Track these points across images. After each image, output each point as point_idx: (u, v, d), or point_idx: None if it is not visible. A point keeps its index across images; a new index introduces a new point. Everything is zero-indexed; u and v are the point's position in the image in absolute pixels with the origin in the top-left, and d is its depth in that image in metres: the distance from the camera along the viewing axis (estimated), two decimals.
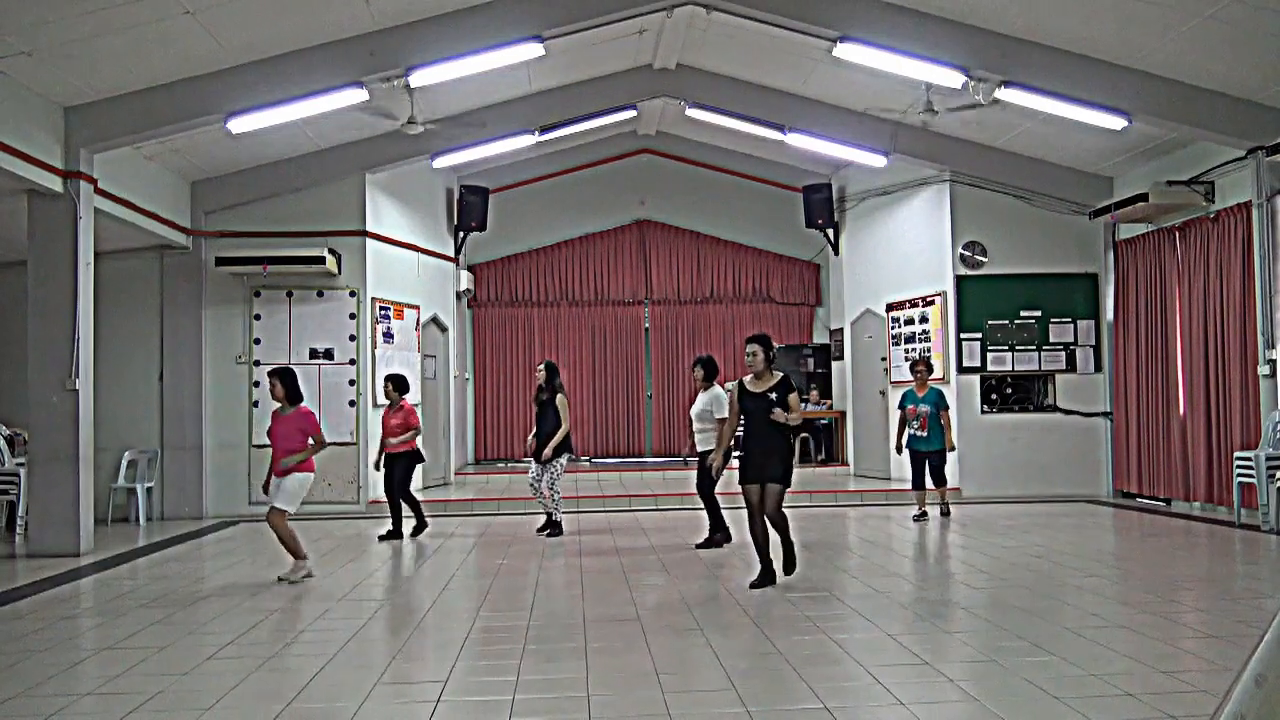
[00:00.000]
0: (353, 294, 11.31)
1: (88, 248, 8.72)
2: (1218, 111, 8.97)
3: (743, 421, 6.79)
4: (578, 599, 6.30)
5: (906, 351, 12.45)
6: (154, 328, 11.13)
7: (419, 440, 9.34)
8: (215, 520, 10.76)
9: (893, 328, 12.72)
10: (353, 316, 11.29)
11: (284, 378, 7.26)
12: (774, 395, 6.52)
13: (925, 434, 9.65)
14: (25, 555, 8.55)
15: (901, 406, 9.92)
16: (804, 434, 14.72)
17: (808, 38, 9.21)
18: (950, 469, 10.10)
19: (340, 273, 11.19)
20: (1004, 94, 9.14)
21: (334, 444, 11.09)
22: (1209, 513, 9.95)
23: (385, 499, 9.40)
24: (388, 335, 11.65)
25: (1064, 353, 11.82)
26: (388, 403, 9.38)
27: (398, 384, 9.36)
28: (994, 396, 11.74)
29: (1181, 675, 4.36)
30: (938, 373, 11.81)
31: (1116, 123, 9.25)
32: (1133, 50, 8.63)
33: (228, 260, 10.76)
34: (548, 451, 8.95)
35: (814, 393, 14.63)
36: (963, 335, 11.72)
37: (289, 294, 11.25)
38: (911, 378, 9.96)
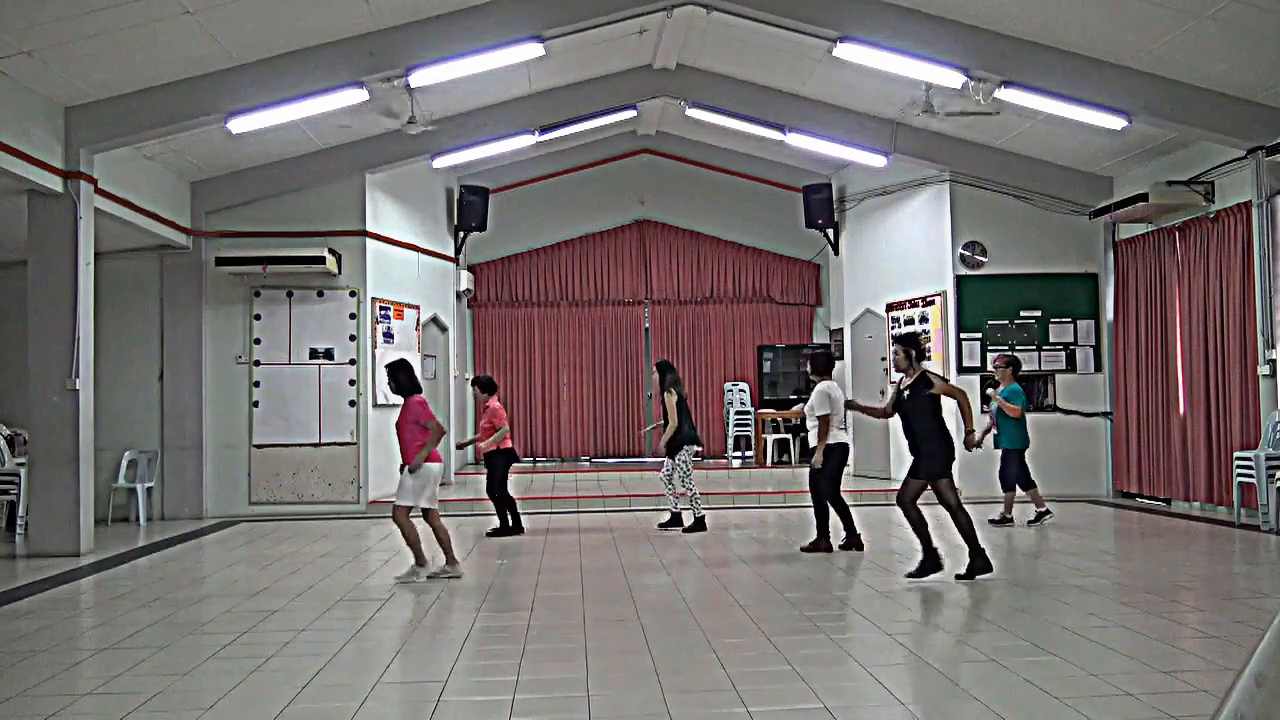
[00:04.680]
0: (353, 294, 11.31)
1: (88, 248, 8.72)
2: (1218, 111, 8.96)
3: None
4: (578, 599, 6.30)
5: None
6: (154, 328, 11.12)
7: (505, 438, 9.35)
8: (215, 520, 10.76)
9: (893, 328, 12.72)
10: (353, 316, 11.29)
11: (393, 371, 7.22)
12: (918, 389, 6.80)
13: (995, 431, 9.53)
14: (25, 555, 8.55)
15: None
16: (803, 433, 14.72)
17: (808, 38, 9.20)
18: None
19: (340, 273, 11.19)
20: (1004, 94, 9.14)
21: (334, 444, 11.14)
22: (1209, 513, 9.95)
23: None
24: (388, 335, 11.65)
25: (1064, 353, 11.82)
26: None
27: (484, 385, 9.51)
28: None
29: (1181, 675, 4.36)
30: (937, 371, 11.81)
31: (1116, 123, 9.25)
32: (1133, 50, 8.63)
33: (228, 260, 10.76)
34: (660, 445, 9.35)
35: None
36: (963, 335, 11.72)
37: (289, 294, 11.25)
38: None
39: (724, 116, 11.78)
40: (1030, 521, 9.50)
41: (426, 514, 7.07)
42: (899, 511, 6.88)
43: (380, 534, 9.54)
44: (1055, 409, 11.74)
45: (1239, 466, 9.10)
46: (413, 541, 6.99)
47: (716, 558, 7.85)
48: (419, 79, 8.83)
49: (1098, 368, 11.80)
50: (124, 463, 10.64)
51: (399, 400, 7.22)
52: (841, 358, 14.29)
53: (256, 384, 11.15)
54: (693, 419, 9.50)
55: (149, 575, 7.55)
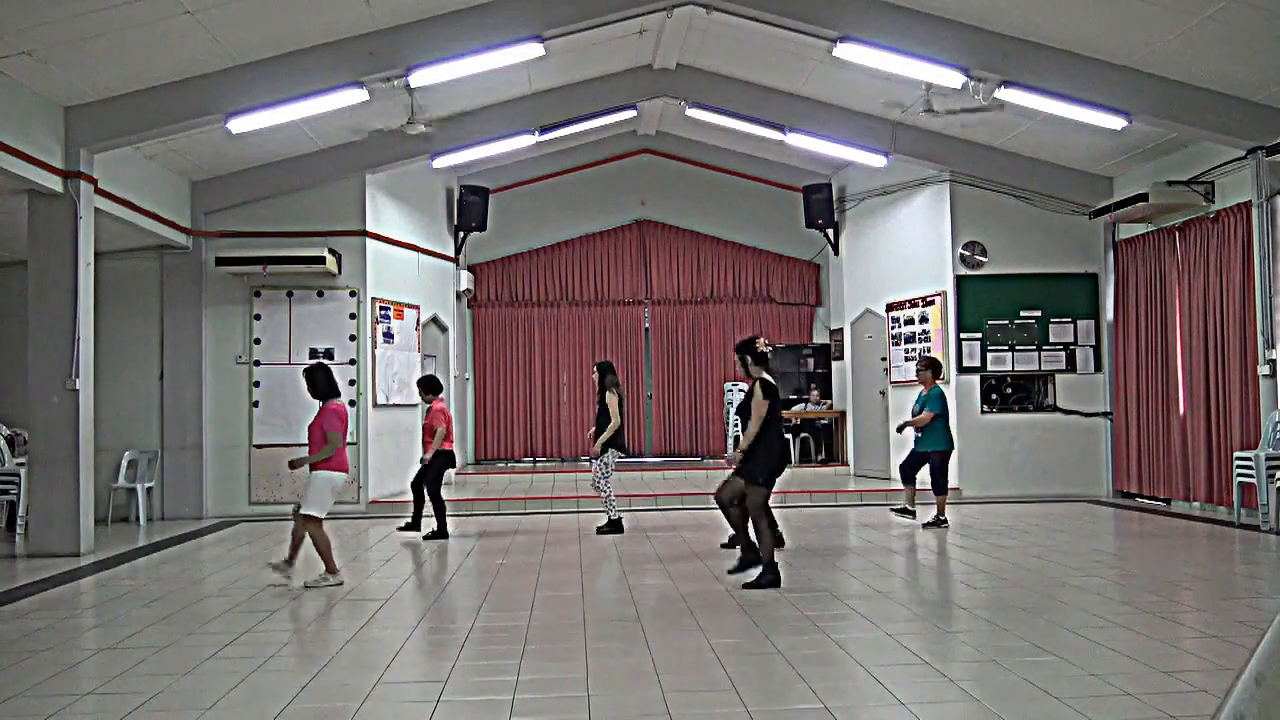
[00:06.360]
0: (353, 294, 11.31)
1: (88, 248, 8.72)
2: (1218, 111, 8.96)
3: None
4: (578, 599, 6.30)
5: (907, 352, 12.45)
6: (154, 328, 11.13)
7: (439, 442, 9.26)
8: (215, 520, 10.76)
9: (893, 328, 12.72)
10: (353, 316, 11.29)
11: (310, 375, 7.17)
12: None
13: (919, 433, 9.55)
14: (25, 555, 8.55)
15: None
16: (804, 434, 14.75)
17: (808, 38, 9.20)
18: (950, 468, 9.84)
19: (340, 273, 11.19)
20: (1004, 94, 9.13)
21: None
22: (1209, 513, 9.95)
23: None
24: (388, 335, 11.65)
25: (1064, 353, 11.82)
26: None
27: (427, 386, 9.51)
28: (994, 397, 11.74)
29: (1181, 675, 4.36)
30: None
31: (1116, 123, 9.25)
32: (1133, 50, 8.63)
33: (228, 260, 10.76)
34: (595, 447, 9.16)
35: (814, 392, 14.64)
36: (963, 335, 11.72)
37: (289, 294, 11.25)
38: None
39: (724, 116, 11.78)
40: (925, 524, 9.36)
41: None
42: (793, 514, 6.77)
43: (380, 534, 9.54)
44: (1055, 409, 11.75)
45: (1239, 466, 9.10)
46: (324, 549, 6.84)
47: (716, 557, 7.84)
48: (419, 79, 8.83)
49: (1098, 368, 11.80)
50: (124, 463, 10.64)
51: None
52: (841, 358, 14.31)
53: (256, 384, 11.15)
54: (623, 424, 9.40)
55: (149, 575, 7.55)
